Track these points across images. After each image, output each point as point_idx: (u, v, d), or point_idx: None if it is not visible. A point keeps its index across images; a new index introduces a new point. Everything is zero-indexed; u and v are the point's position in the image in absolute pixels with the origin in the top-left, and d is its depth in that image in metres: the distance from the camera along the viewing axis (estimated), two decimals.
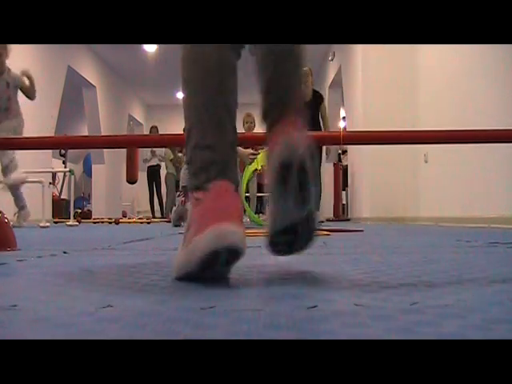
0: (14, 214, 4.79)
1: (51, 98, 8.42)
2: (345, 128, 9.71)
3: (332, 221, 7.84)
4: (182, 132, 1.04)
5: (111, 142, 2.48)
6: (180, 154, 9.00)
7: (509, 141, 2.64)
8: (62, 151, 10.19)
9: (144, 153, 10.21)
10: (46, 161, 8.05)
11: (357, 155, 7.84)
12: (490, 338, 0.47)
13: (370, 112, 6.99)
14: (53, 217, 8.52)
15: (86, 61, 10.18)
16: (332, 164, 9.73)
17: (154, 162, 10.02)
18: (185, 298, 0.70)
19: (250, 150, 4.84)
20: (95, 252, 1.68)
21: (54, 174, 8.94)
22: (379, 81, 6.94)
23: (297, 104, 1.03)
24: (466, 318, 0.55)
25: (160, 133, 8.85)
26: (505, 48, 4.26)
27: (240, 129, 1.33)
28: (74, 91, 10.33)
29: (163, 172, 10.09)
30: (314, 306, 0.61)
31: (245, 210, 4.75)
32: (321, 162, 6.78)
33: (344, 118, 10.21)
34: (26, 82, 4.72)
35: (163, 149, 9.63)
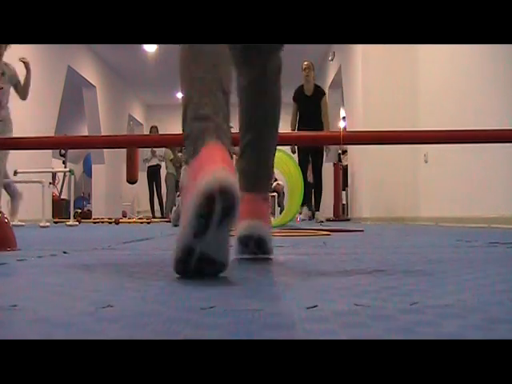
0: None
1: (51, 98, 8.42)
2: (345, 128, 9.71)
3: (332, 221, 7.84)
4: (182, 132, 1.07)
5: (111, 142, 2.48)
6: (180, 154, 9.00)
7: (509, 141, 2.64)
8: (62, 151, 10.18)
9: (144, 153, 10.22)
10: (46, 161, 8.05)
11: (357, 155, 7.84)
12: (490, 338, 0.47)
13: (370, 112, 6.99)
14: (53, 217, 8.52)
15: (86, 61, 10.18)
16: (332, 164, 9.73)
17: (154, 162, 10.03)
18: (185, 298, 0.70)
19: None
20: (95, 252, 1.68)
21: (54, 174, 8.95)
22: (379, 81, 6.94)
23: (266, 180, 1.35)
24: (466, 318, 0.55)
25: (160, 133, 8.85)
26: (505, 48, 4.26)
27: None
28: (74, 91, 10.34)
29: (163, 172, 10.10)
30: (314, 306, 0.61)
31: None
32: (322, 163, 6.78)
33: (344, 118, 10.21)
34: (22, 81, 4.72)
35: (163, 149, 9.64)
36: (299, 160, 6.12)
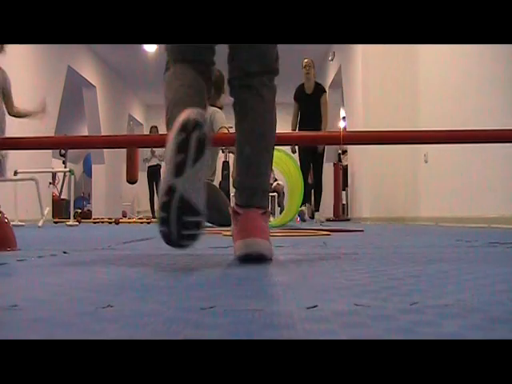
0: None
1: (51, 98, 8.41)
2: (345, 128, 9.71)
3: (332, 221, 7.84)
4: None
5: (111, 142, 2.48)
6: None
7: (509, 141, 2.64)
8: (62, 151, 10.18)
9: (144, 153, 10.22)
10: (46, 161, 8.05)
11: (357, 155, 7.84)
12: (490, 338, 0.47)
13: (370, 112, 6.99)
14: (53, 217, 8.52)
15: (86, 61, 10.18)
16: (332, 164, 9.73)
17: (153, 162, 10.03)
18: (185, 298, 0.70)
19: None
20: (95, 252, 1.68)
21: (54, 174, 8.94)
22: (379, 81, 6.94)
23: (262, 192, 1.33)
24: (466, 318, 0.55)
25: (160, 133, 8.85)
26: (504, 48, 4.26)
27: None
28: (74, 91, 10.33)
29: (163, 172, 10.10)
30: (314, 306, 0.61)
31: None
32: (322, 163, 6.78)
33: (344, 118, 10.21)
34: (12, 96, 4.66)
35: (163, 149, 9.62)
36: (300, 161, 6.11)
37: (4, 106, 4.72)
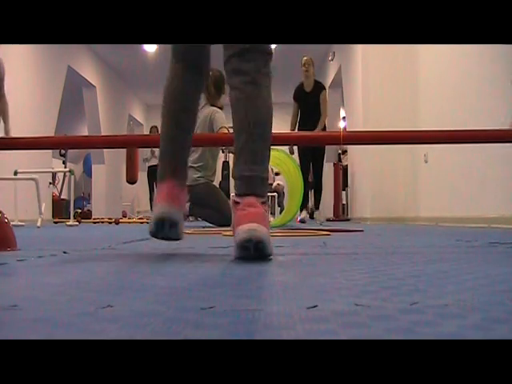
0: None
1: (51, 98, 8.42)
2: (345, 128, 9.71)
3: (332, 221, 7.84)
4: None
5: (111, 142, 2.48)
6: None
7: (509, 141, 2.64)
8: (62, 151, 10.17)
9: (144, 153, 10.22)
10: (46, 161, 8.05)
11: (357, 155, 7.84)
12: (490, 338, 0.47)
13: (370, 112, 6.99)
14: (53, 217, 8.52)
15: (86, 61, 10.18)
16: (332, 164, 9.74)
17: (153, 162, 10.04)
18: (185, 298, 0.70)
19: None
20: (95, 252, 1.68)
21: (54, 174, 8.94)
22: (379, 81, 6.94)
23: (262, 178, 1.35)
24: (466, 318, 0.55)
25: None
26: (504, 48, 4.26)
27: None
28: (74, 91, 10.34)
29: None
30: (314, 306, 0.61)
31: None
32: (323, 162, 6.78)
33: (344, 117, 10.22)
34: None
35: None
36: (300, 161, 6.09)
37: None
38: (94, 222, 7.63)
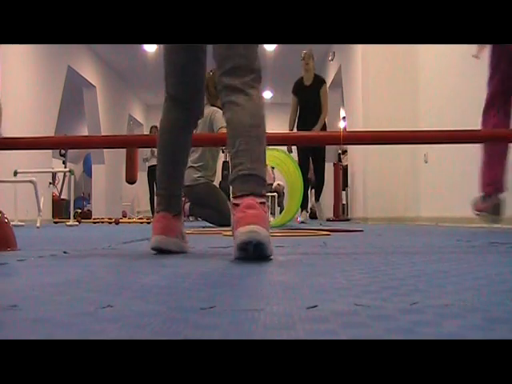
0: None
1: (51, 98, 8.42)
2: (345, 128, 9.71)
3: (332, 221, 7.84)
4: None
5: (111, 142, 2.48)
6: None
7: (509, 141, 2.64)
8: (62, 151, 10.17)
9: (144, 152, 10.21)
10: (46, 161, 8.05)
11: (357, 155, 7.84)
12: (490, 338, 0.47)
13: (370, 112, 6.99)
14: (53, 217, 8.52)
15: (86, 61, 10.18)
16: (332, 164, 9.73)
17: (153, 162, 10.03)
18: (185, 298, 0.70)
19: None
20: (95, 252, 1.68)
21: (54, 174, 8.94)
22: (379, 81, 6.94)
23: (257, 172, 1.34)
24: (466, 318, 0.55)
25: None
26: None
27: None
28: (74, 91, 10.33)
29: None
30: (314, 306, 0.61)
31: None
32: (324, 162, 6.78)
33: (344, 117, 10.21)
34: None
35: None
36: (299, 160, 6.08)
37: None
38: (94, 222, 7.63)
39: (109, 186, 11.42)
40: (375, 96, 6.98)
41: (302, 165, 5.78)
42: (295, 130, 6.41)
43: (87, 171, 13.55)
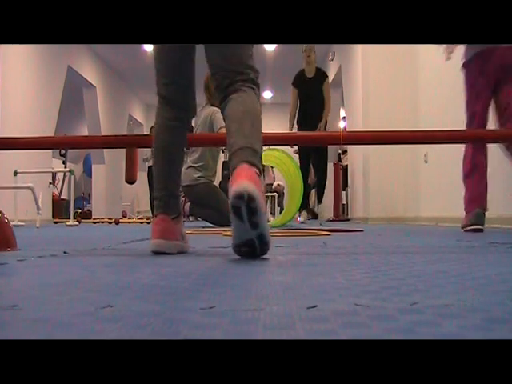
0: None
1: (51, 98, 8.42)
2: (345, 128, 9.71)
3: (332, 221, 7.84)
4: None
5: (111, 142, 2.48)
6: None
7: (510, 141, 2.64)
8: (62, 151, 10.17)
9: (144, 152, 10.20)
10: (46, 161, 8.05)
11: (357, 155, 7.84)
12: (490, 338, 0.47)
13: (370, 112, 6.99)
14: (53, 217, 8.51)
15: (86, 61, 10.18)
16: (332, 164, 9.73)
17: None
18: (185, 298, 0.70)
19: None
20: (95, 252, 1.68)
21: (54, 174, 8.94)
22: (379, 81, 6.94)
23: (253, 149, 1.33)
24: (466, 318, 0.55)
25: None
26: None
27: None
28: (74, 91, 10.33)
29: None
30: (314, 306, 0.61)
31: None
32: (327, 161, 6.78)
33: (344, 117, 10.21)
34: None
35: None
36: (300, 161, 6.06)
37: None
38: (94, 222, 7.63)
39: (109, 186, 11.42)
40: (375, 96, 6.98)
41: (303, 169, 5.72)
42: (295, 125, 6.31)
43: (87, 171, 13.54)
